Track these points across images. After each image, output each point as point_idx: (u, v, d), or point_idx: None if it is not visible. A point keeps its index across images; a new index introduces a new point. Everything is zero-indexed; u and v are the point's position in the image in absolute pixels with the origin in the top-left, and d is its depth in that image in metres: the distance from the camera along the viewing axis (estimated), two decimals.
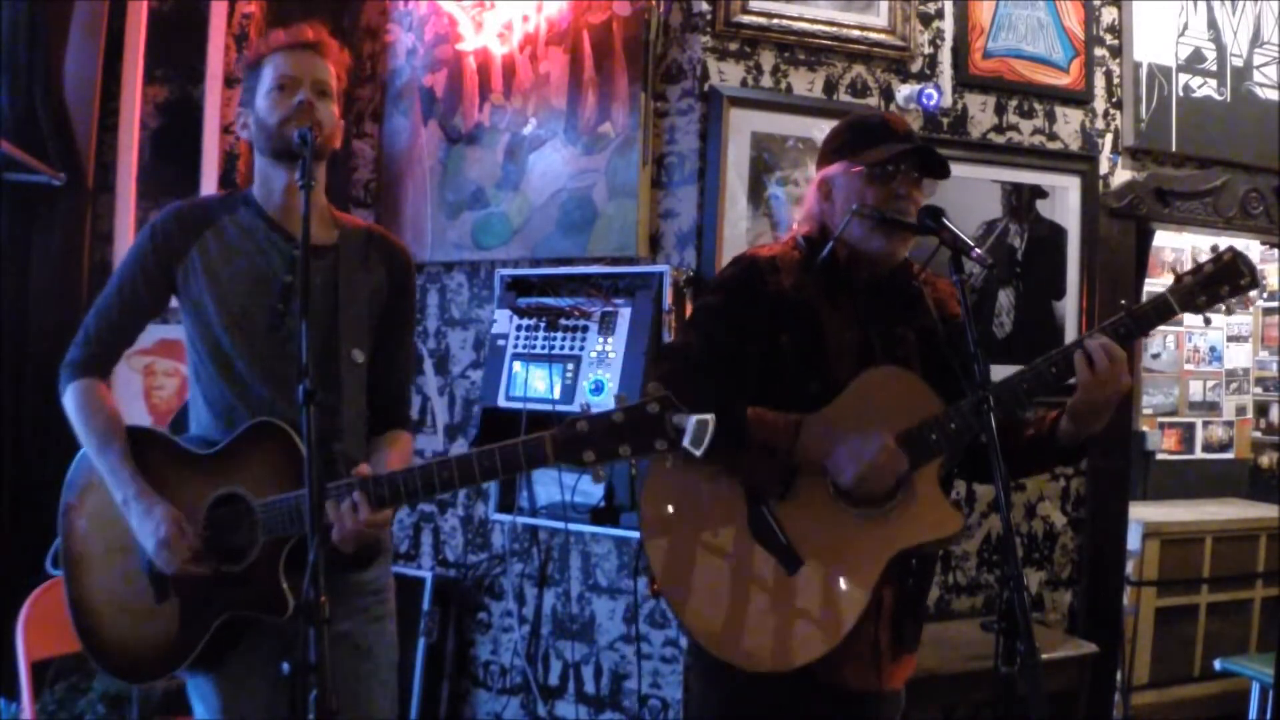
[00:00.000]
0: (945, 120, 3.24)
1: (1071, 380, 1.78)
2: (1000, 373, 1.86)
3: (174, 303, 1.92)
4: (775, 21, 3.02)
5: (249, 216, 1.88)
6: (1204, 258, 1.81)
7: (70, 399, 1.85)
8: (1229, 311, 1.87)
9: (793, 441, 1.81)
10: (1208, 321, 1.84)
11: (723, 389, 1.84)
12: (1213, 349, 5.48)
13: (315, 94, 1.83)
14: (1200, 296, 1.78)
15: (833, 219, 1.93)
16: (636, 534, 2.76)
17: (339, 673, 1.39)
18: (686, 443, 1.51)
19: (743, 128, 2.96)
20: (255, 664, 1.79)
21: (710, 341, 1.90)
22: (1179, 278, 1.79)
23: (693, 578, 1.87)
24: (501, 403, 3.03)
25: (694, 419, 1.52)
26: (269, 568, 1.72)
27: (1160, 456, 5.15)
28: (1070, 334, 3.35)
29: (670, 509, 1.92)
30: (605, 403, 2.79)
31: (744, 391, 1.85)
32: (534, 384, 2.99)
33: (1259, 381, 5.61)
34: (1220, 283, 1.77)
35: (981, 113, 3.30)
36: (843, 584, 1.81)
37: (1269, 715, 3.32)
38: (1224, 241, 3.73)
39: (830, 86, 3.11)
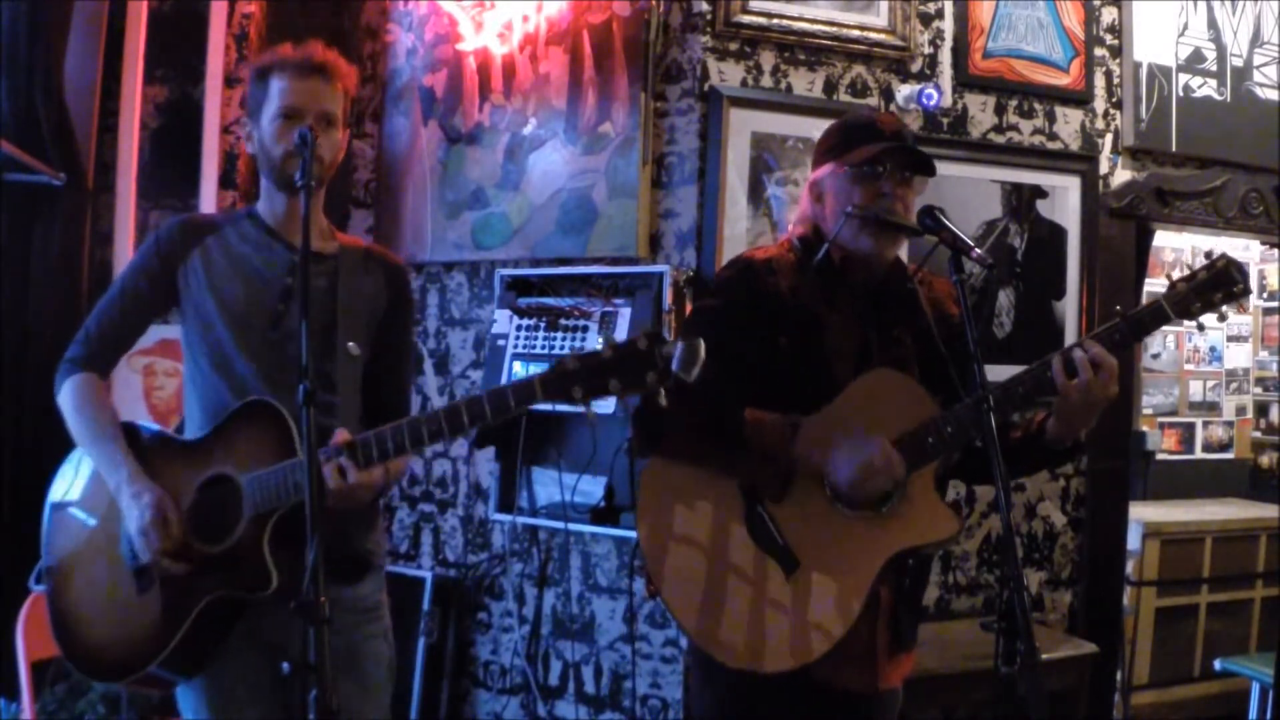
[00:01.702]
0: (945, 120, 3.24)
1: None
2: (1000, 373, 1.86)
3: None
4: (775, 21, 3.02)
5: (251, 228, 1.92)
6: (1199, 262, 1.81)
7: (66, 393, 1.86)
8: (1222, 318, 1.86)
9: (789, 444, 1.82)
10: (1201, 328, 1.84)
11: (721, 391, 1.84)
12: (1213, 349, 5.49)
13: (320, 125, 1.84)
14: (1195, 303, 1.78)
15: (825, 221, 1.94)
16: (635, 534, 2.76)
17: None
18: (676, 369, 1.49)
19: (743, 128, 2.96)
20: (244, 672, 1.79)
21: (706, 344, 1.90)
22: (1173, 284, 1.79)
23: (689, 578, 1.87)
24: None
25: (681, 344, 1.50)
26: (253, 544, 1.71)
27: (1160, 456, 5.14)
28: (1070, 334, 3.35)
29: (667, 509, 1.92)
30: (605, 404, 2.79)
31: (742, 394, 1.85)
32: None
33: (1259, 381, 5.61)
34: (1214, 289, 1.77)
35: (981, 113, 3.30)
36: (840, 585, 1.81)
37: (1269, 715, 3.32)
38: (1224, 242, 3.77)
39: (830, 86, 3.11)
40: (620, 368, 1.52)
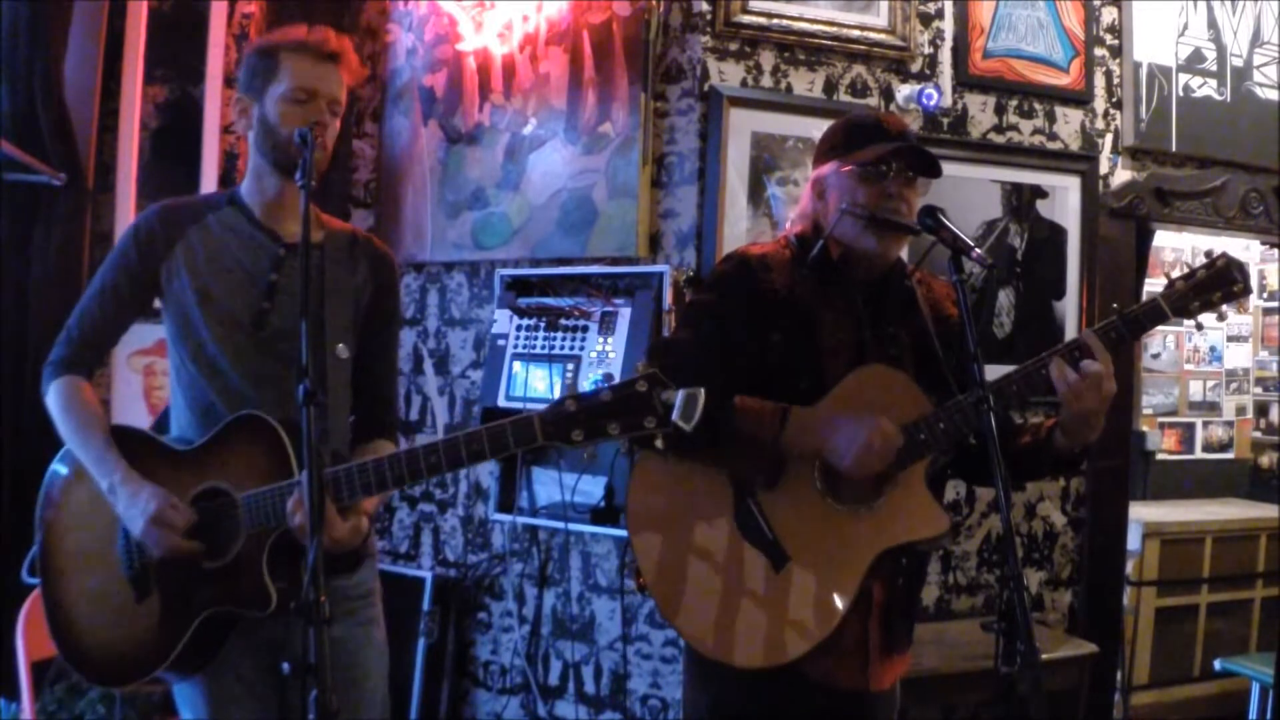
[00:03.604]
0: (945, 120, 3.24)
1: None
2: (1000, 373, 1.86)
3: (157, 302, 1.90)
4: (775, 21, 3.02)
5: (234, 216, 1.87)
6: (1199, 262, 1.80)
7: (52, 396, 1.84)
8: (1221, 317, 1.86)
9: (779, 429, 1.81)
10: (1199, 327, 1.84)
11: (714, 386, 1.84)
12: (1213, 349, 5.48)
13: (330, 113, 1.81)
14: (1193, 302, 1.77)
15: (826, 218, 1.93)
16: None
17: None
18: (676, 418, 1.50)
19: (743, 128, 2.96)
20: (242, 670, 1.78)
21: (701, 338, 1.90)
22: (1171, 282, 1.79)
23: (678, 573, 1.87)
24: (501, 403, 3.03)
25: (683, 393, 1.50)
26: (252, 562, 1.70)
27: (1160, 456, 5.14)
28: (1070, 334, 3.35)
29: (657, 503, 1.92)
30: None
31: (736, 389, 1.85)
32: (534, 384, 2.99)
33: (1259, 381, 5.61)
34: (1213, 288, 1.77)
35: (981, 113, 3.30)
36: (828, 581, 1.81)
37: (1269, 715, 3.32)
38: (1224, 242, 3.77)
39: (830, 86, 3.11)
40: (620, 411, 1.53)
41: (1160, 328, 1.90)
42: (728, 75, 3.00)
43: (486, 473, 3.30)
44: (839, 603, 1.79)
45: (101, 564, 1.80)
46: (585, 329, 2.95)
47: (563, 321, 2.99)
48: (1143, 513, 4.16)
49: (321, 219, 1.95)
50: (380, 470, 1.66)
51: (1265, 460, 5.50)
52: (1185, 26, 3.58)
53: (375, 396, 1.97)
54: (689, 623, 1.86)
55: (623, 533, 2.95)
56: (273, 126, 1.80)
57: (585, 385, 2.89)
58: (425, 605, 3.26)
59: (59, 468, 1.90)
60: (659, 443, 1.55)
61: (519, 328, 3.05)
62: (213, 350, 1.80)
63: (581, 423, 1.54)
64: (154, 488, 1.72)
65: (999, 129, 3.32)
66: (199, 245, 1.84)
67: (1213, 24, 3.63)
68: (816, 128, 2.95)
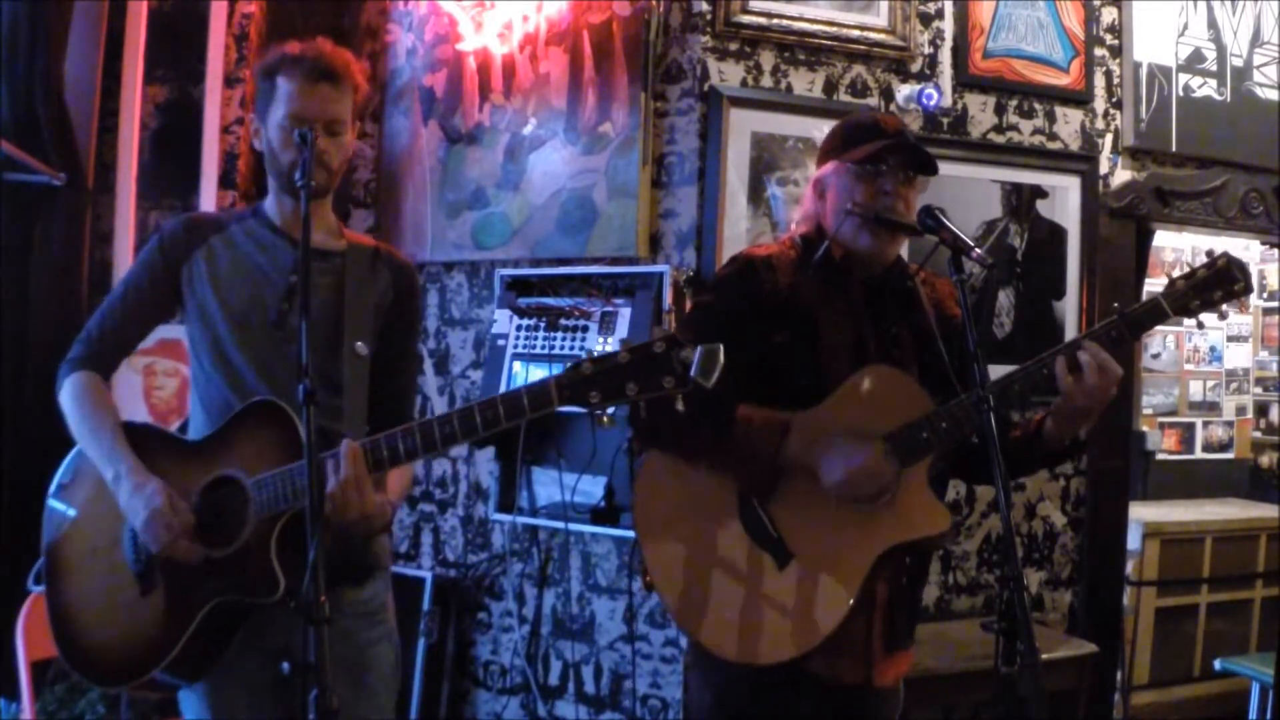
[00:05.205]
0: (945, 120, 3.24)
1: None
2: (1000, 373, 1.86)
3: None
4: (775, 21, 3.02)
5: (256, 226, 1.91)
6: (1199, 262, 1.81)
7: (66, 391, 1.84)
8: (1222, 316, 1.87)
9: (779, 444, 1.82)
10: (1200, 326, 1.84)
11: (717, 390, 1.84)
12: (1213, 349, 5.48)
13: (328, 134, 1.81)
14: (1193, 301, 1.78)
15: (827, 218, 1.94)
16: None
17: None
18: (694, 375, 1.47)
19: (743, 128, 2.97)
20: (247, 676, 1.77)
21: (706, 340, 1.90)
22: (1172, 282, 1.80)
23: (684, 570, 1.88)
24: None
25: (701, 348, 1.47)
26: (260, 548, 1.69)
27: (1160, 456, 5.15)
28: (1070, 334, 3.35)
29: (663, 502, 1.93)
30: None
31: (739, 391, 1.85)
32: None
33: (1259, 381, 5.61)
34: (1214, 288, 1.77)
35: (981, 113, 3.30)
36: (831, 578, 1.82)
37: (1269, 715, 3.32)
38: (1224, 242, 3.77)
39: (830, 86, 3.11)
40: (637, 372, 1.50)
41: (1160, 327, 1.91)
42: (728, 75, 3.00)
43: (486, 473, 3.30)
44: (843, 600, 1.80)
45: (107, 563, 1.79)
46: (585, 329, 2.95)
47: (563, 321, 2.99)
48: (1143, 513, 4.16)
49: (344, 232, 1.99)
50: (393, 443, 1.65)
51: (1265, 460, 5.51)
52: (1185, 26, 3.58)
53: (392, 398, 1.96)
54: (695, 621, 1.86)
55: (623, 532, 2.96)
56: (274, 154, 1.83)
57: None
58: (425, 605, 3.26)
59: (68, 465, 1.89)
60: (679, 405, 1.52)
61: (519, 328, 3.05)
62: (231, 350, 1.82)
63: (598, 384, 1.51)
64: (157, 483, 1.72)
65: (999, 129, 3.32)
66: (221, 250, 1.87)
67: (1213, 24, 3.63)
68: (816, 128, 2.96)
